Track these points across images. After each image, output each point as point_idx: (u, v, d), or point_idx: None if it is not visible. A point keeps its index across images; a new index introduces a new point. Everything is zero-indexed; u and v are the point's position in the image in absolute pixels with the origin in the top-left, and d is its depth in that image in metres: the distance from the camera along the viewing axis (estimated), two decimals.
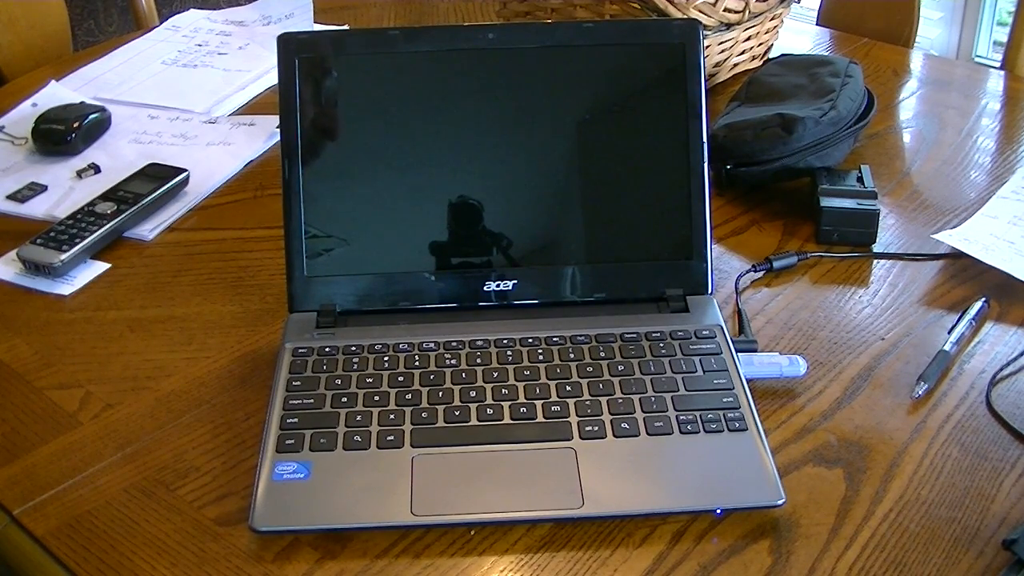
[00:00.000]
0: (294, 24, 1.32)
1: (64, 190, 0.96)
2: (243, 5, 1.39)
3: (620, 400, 0.66)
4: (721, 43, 1.11)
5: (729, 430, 0.63)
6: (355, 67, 0.76)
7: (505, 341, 0.71)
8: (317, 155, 0.74)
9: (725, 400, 0.66)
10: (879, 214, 0.86)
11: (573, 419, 0.64)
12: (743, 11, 1.09)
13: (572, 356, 0.69)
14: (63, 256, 0.83)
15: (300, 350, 0.70)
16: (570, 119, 0.76)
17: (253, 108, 1.14)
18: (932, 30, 2.37)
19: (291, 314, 0.74)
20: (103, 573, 0.57)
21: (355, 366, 0.69)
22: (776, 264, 0.83)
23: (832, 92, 0.95)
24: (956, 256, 0.84)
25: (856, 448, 0.66)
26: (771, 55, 1.20)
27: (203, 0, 1.70)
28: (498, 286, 0.74)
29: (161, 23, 1.36)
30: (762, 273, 0.83)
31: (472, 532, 0.60)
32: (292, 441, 0.63)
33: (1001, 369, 0.72)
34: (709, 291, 0.75)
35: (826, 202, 0.86)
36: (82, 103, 1.09)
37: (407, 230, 0.75)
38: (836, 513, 0.61)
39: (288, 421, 0.64)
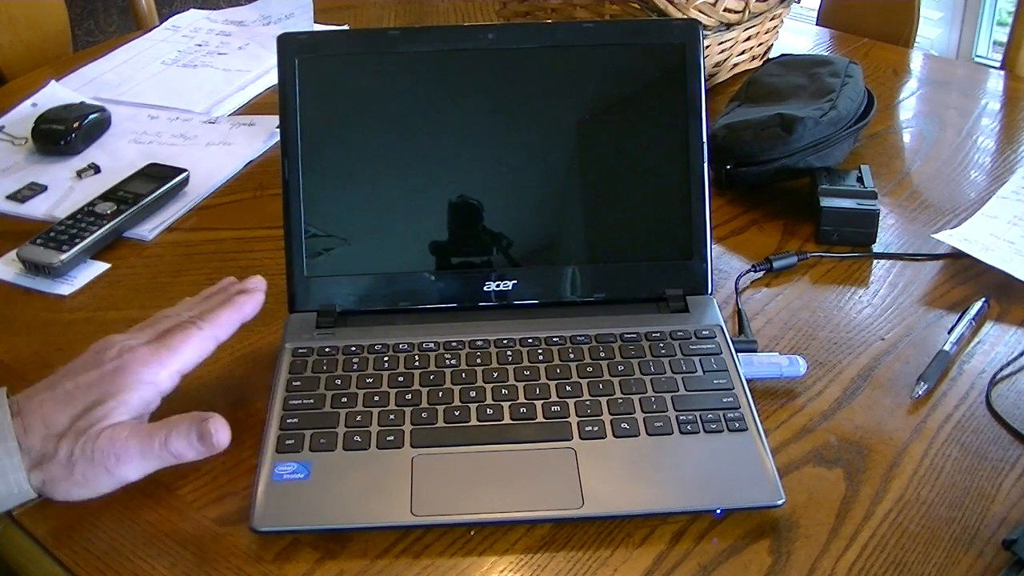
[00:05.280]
0: (294, 24, 1.32)
1: (64, 190, 0.96)
2: (243, 5, 1.39)
3: (620, 400, 0.66)
4: (721, 43, 1.11)
5: (729, 430, 0.64)
6: (355, 67, 0.76)
7: (505, 341, 0.71)
8: (317, 155, 0.74)
9: (725, 400, 0.66)
10: (879, 214, 0.86)
11: (573, 419, 0.64)
12: (743, 11, 1.09)
13: (572, 356, 0.69)
14: (63, 256, 0.83)
15: (300, 350, 0.70)
16: (570, 119, 0.76)
17: (253, 108, 1.14)
18: (932, 30, 2.37)
19: (291, 314, 0.74)
20: (103, 573, 0.57)
21: (355, 366, 0.69)
22: (776, 264, 0.83)
23: (832, 92, 0.95)
24: (956, 256, 0.84)
25: (856, 448, 0.66)
26: (771, 55, 1.20)
27: (203, 0, 1.70)
28: (498, 286, 0.74)
29: (161, 23, 1.36)
30: (762, 273, 0.83)
31: (472, 532, 0.60)
32: (292, 441, 0.63)
33: (1001, 369, 0.72)
34: (709, 291, 0.75)
35: (826, 202, 0.86)
36: (82, 103, 1.09)
37: (407, 230, 0.75)
38: (836, 513, 0.61)
39: (288, 421, 0.65)
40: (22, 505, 0.60)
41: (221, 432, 0.59)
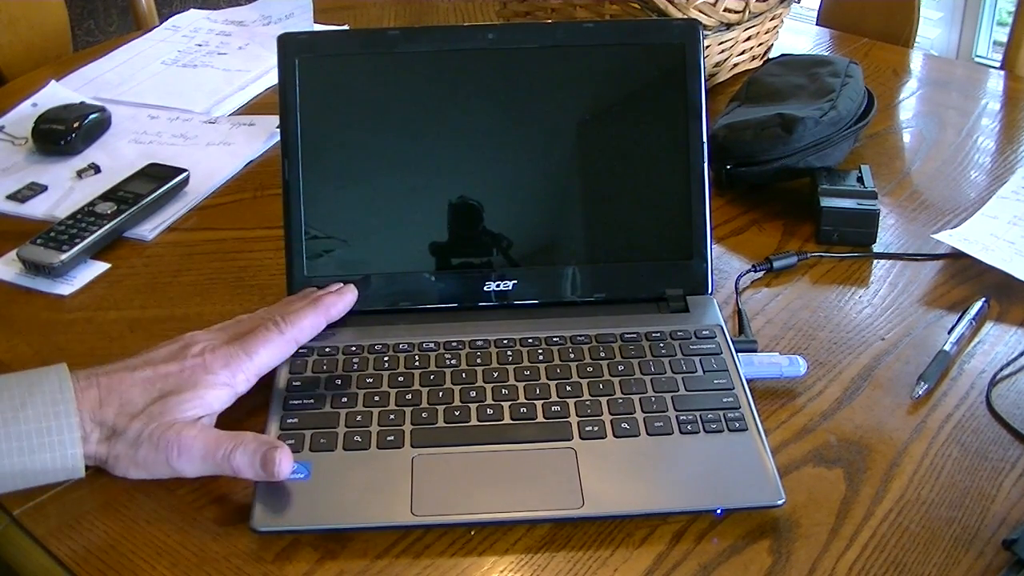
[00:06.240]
0: (294, 24, 1.32)
1: (64, 190, 0.96)
2: (243, 5, 1.39)
3: (620, 400, 0.66)
4: (721, 43, 1.11)
5: (729, 430, 0.64)
6: (355, 67, 0.76)
7: (505, 341, 0.71)
8: (317, 155, 0.74)
9: (725, 400, 0.66)
10: (879, 214, 0.86)
11: (573, 419, 0.64)
12: (743, 11, 1.09)
13: (572, 356, 0.69)
14: (63, 256, 0.83)
15: (300, 350, 0.70)
16: (570, 119, 0.76)
17: (253, 108, 1.14)
18: (932, 30, 2.37)
19: None
20: (103, 573, 0.57)
21: (355, 366, 0.69)
22: (776, 264, 0.83)
23: (832, 92, 0.95)
24: (956, 256, 0.84)
25: (856, 448, 0.66)
26: (771, 55, 1.20)
27: (203, 0, 1.70)
28: (498, 286, 0.74)
29: (161, 23, 1.36)
30: (762, 273, 0.83)
31: (472, 532, 0.60)
32: (292, 441, 0.63)
33: (1001, 369, 0.72)
34: (709, 291, 0.75)
35: (826, 202, 0.86)
36: (82, 103, 1.09)
37: (407, 230, 0.75)
38: (836, 513, 0.61)
39: (288, 421, 0.65)
40: (65, 482, 0.61)
41: (284, 463, 0.60)
